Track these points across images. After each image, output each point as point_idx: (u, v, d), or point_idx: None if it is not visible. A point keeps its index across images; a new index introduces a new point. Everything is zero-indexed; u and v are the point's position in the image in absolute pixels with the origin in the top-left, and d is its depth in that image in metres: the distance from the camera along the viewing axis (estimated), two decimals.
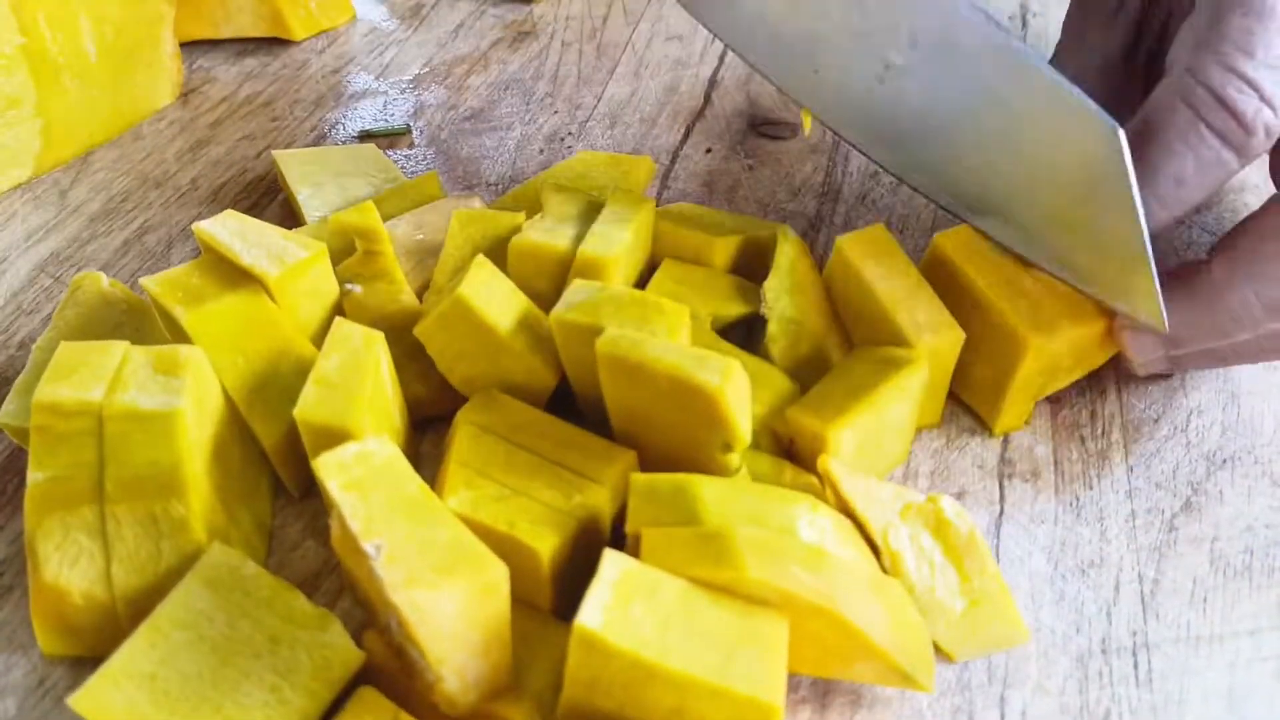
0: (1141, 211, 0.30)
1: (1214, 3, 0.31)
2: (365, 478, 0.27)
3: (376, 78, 0.55)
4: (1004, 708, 0.29)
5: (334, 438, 0.29)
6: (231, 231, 0.34)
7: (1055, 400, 0.37)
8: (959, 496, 0.34)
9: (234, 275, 0.34)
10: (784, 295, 0.36)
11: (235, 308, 0.33)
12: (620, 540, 0.30)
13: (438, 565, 0.25)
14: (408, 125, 0.51)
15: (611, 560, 0.26)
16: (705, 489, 0.28)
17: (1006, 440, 0.36)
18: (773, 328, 0.36)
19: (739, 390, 0.29)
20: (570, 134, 0.51)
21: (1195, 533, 0.33)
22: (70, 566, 0.29)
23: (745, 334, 0.38)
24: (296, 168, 0.46)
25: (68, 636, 0.29)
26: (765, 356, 0.36)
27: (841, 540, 0.29)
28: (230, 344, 0.33)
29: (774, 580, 0.25)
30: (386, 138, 0.51)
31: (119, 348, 0.31)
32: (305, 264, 0.34)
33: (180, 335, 0.33)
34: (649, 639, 0.25)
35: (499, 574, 0.25)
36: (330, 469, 0.27)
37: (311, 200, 0.44)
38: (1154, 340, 0.34)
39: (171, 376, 0.30)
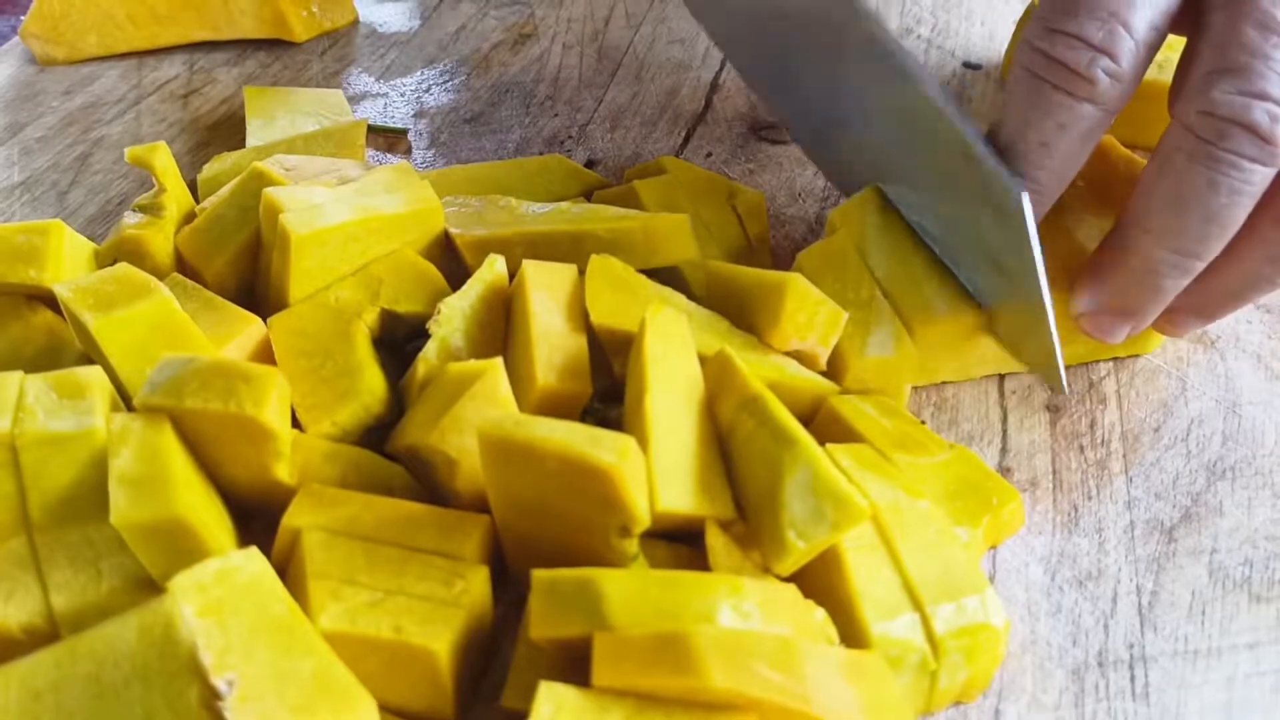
0: (1043, 275, 0.31)
1: None
2: (226, 599, 0.24)
3: (377, 79, 0.55)
4: None
5: (169, 536, 0.27)
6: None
7: (1054, 409, 0.37)
8: None
9: (146, 283, 0.33)
10: (457, 318, 0.34)
11: (145, 315, 0.32)
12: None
13: (297, 704, 0.23)
14: (406, 128, 0.51)
15: (547, 694, 0.24)
16: (610, 586, 0.26)
17: (1004, 449, 0.36)
18: (431, 346, 0.33)
19: (636, 468, 0.27)
20: (570, 137, 0.51)
21: (1194, 544, 0.33)
22: (5, 601, 0.28)
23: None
24: (260, 101, 0.49)
25: None
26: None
27: (775, 620, 0.26)
28: (139, 352, 0.32)
29: (741, 687, 0.23)
30: (386, 135, 0.51)
31: (14, 377, 0.30)
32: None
33: (91, 343, 0.33)
34: None
35: (366, 710, 0.23)
36: (186, 591, 0.24)
37: (258, 130, 0.48)
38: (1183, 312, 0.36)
39: (78, 399, 0.30)
